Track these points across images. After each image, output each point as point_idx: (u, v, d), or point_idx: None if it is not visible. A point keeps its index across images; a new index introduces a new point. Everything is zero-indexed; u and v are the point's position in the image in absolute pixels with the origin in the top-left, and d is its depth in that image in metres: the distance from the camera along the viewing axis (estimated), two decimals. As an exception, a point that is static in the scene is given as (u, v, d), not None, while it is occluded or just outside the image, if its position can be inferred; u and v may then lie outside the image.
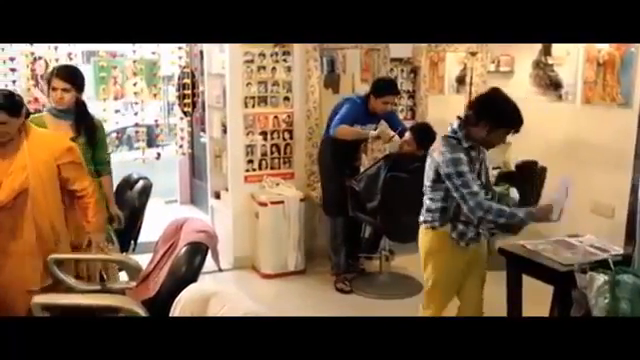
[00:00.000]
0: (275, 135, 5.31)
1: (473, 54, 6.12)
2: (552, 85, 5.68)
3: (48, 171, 2.99)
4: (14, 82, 5.14)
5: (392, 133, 4.66)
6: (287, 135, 5.35)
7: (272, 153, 5.33)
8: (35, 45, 5.28)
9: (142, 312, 2.75)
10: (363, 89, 5.40)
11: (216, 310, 1.99)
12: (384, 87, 4.66)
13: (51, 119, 3.53)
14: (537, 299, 3.39)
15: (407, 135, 4.60)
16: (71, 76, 3.51)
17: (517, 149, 6.22)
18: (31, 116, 3.25)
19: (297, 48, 5.26)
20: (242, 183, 5.21)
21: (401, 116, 5.78)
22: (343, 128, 4.53)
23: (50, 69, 5.73)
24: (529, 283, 3.39)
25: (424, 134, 4.54)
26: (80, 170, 3.15)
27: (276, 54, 5.20)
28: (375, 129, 4.78)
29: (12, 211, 2.89)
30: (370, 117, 4.70)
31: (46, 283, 2.98)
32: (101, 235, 3.24)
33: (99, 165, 3.69)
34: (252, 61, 5.13)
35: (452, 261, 3.16)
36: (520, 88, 6.22)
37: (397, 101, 5.79)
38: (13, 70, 5.13)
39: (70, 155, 3.09)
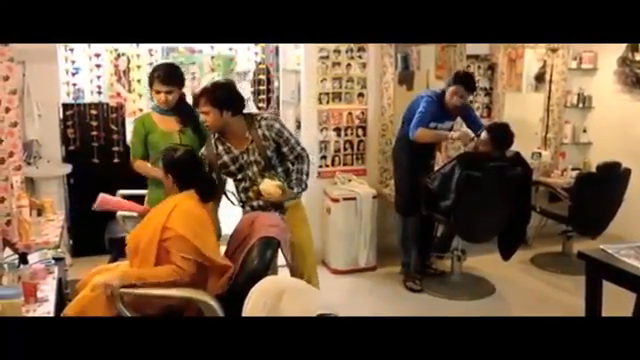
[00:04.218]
0: (349, 131, 5.32)
1: (554, 50, 5.94)
2: (639, 83, 5.45)
3: None
4: (99, 77, 5.34)
5: (472, 135, 4.55)
6: (360, 131, 5.35)
7: (345, 149, 5.34)
8: (118, 41, 5.47)
9: (214, 304, 2.81)
10: (438, 86, 5.34)
11: (289, 304, 2.02)
12: (461, 79, 4.53)
13: (157, 116, 3.66)
14: (617, 305, 3.26)
15: (483, 135, 4.51)
16: (172, 79, 3.58)
17: (599, 150, 6.03)
18: (139, 114, 3.32)
19: (372, 45, 5.25)
20: (315, 179, 5.24)
21: (477, 114, 5.68)
22: (422, 131, 4.46)
23: (130, 64, 6.04)
24: (609, 289, 3.27)
25: (502, 135, 4.44)
26: None
27: (351, 50, 5.20)
28: (451, 127, 4.70)
29: None
30: (446, 114, 4.62)
31: None
32: None
33: None
34: (327, 57, 5.15)
35: None
36: (603, 86, 6.02)
37: (473, 98, 5.70)
38: (98, 66, 5.32)
39: None
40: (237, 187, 3.51)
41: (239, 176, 3.45)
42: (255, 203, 3.45)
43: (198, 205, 2.99)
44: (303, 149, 3.50)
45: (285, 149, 3.44)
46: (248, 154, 3.39)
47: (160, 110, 3.64)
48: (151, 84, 3.60)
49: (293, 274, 3.45)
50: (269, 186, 3.33)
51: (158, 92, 3.57)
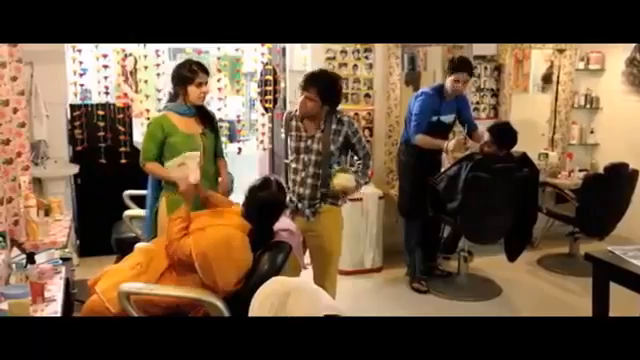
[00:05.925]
0: (355, 132, 5.31)
1: (561, 51, 5.93)
2: (646, 84, 5.43)
3: None
4: (106, 78, 5.36)
5: (464, 137, 4.53)
6: (367, 132, 5.34)
7: (351, 150, 5.33)
8: (125, 42, 5.47)
9: (220, 305, 2.81)
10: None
11: (296, 304, 2.01)
12: (457, 65, 4.47)
13: (177, 117, 3.45)
14: (624, 307, 3.24)
15: (486, 136, 4.49)
16: (206, 68, 3.52)
17: (607, 151, 6.00)
18: (154, 117, 3.30)
19: (378, 45, 5.25)
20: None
21: (483, 115, 5.68)
22: (421, 138, 4.48)
23: (137, 64, 6.05)
24: (616, 290, 3.25)
25: (504, 134, 4.42)
26: None
27: (358, 51, 5.21)
28: (454, 120, 4.68)
29: None
30: (445, 105, 4.57)
31: None
32: None
33: (219, 153, 3.73)
34: (334, 58, 5.16)
35: None
36: (611, 87, 6.00)
37: (480, 99, 5.70)
38: (106, 67, 5.33)
39: None
40: (287, 169, 3.63)
41: (294, 156, 3.55)
42: (299, 189, 3.53)
43: (241, 239, 2.94)
44: (369, 150, 3.67)
45: (358, 146, 3.58)
46: (313, 141, 3.51)
47: (181, 111, 3.46)
48: (189, 80, 3.40)
49: (315, 278, 3.58)
50: (345, 180, 3.46)
51: (200, 85, 3.42)
